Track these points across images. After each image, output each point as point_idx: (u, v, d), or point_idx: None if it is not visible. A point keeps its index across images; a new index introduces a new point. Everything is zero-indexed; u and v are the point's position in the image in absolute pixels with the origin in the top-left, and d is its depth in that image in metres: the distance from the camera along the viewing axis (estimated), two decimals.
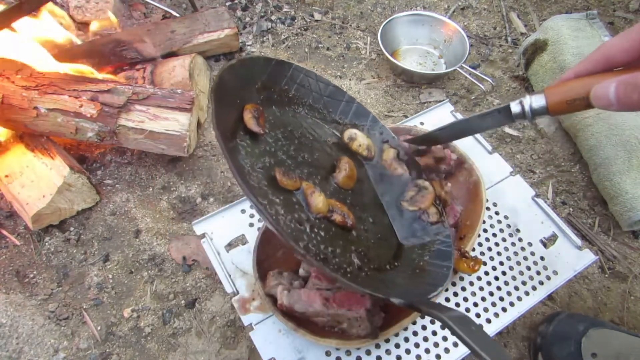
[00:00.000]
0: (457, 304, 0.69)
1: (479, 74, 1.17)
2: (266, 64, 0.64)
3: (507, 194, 0.80)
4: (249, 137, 0.57)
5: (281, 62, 0.66)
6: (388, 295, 0.50)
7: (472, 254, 0.73)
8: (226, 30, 1.17)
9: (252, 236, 0.74)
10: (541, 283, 0.71)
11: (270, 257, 0.68)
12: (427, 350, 0.65)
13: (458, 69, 1.15)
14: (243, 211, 0.77)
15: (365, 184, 0.69)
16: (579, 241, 0.75)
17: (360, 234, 0.61)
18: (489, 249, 0.75)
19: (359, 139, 0.71)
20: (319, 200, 0.56)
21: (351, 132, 0.71)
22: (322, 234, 0.55)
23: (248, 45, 1.27)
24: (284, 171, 0.56)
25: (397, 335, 0.65)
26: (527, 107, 0.49)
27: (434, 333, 0.66)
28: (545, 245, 0.75)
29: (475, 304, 0.69)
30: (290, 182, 0.56)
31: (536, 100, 0.48)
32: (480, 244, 0.75)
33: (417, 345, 0.65)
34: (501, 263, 0.73)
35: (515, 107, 0.50)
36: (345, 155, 0.68)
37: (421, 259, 0.63)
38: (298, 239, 0.51)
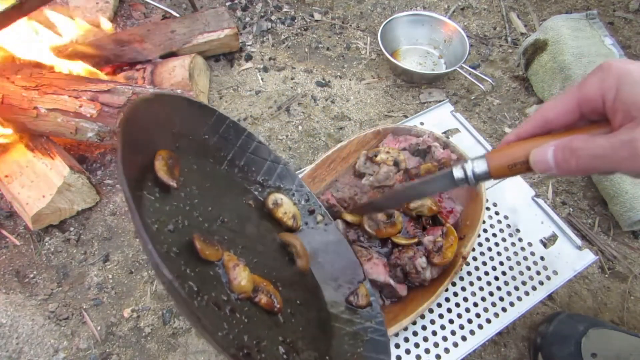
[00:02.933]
0: (457, 304, 0.69)
1: (479, 74, 1.17)
2: (188, 106, 0.56)
3: (507, 194, 0.80)
4: (159, 190, 0.48)
5: (204, 107, 0.59)
6: None
7: (472, 254, 0.74)
8: (226, 30, 1.17)
9: None
10: (541, 283, 0.71)
11: None
12: (427, 351, 0.65)
13: (458, 69, 1.15)
14: None
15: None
16: (579, 241, 0.75)
17: (287, 319, 0.51)
18: (489, 249, 0.75)
19: (285, 206, 0.63)
20: (242, 277, 0.46)
21: (276, 196, 0.64)
22: (245, 319, 0.45)
23: (248, 45, 1.27)
24: (205, 238, 0.46)
25: (397, 335, 0.65)
26: (469, 173, 0.48)
27: (434, 333, 0.66)
28: (545, 245, 0.75)
29: (476, 304, 0.69)
30: (213, 252, 0.46)
31: (478, 166, 0.47)
32: (480, 244, 0.75)
33: (417, 345, 0.65)
34: (501, 263, 0.73)
35: (457, 173, 0.50)
36: (270, 223, 0.61)
37: (354, 351, 0.54)
38: (217, 328, 0.41)
